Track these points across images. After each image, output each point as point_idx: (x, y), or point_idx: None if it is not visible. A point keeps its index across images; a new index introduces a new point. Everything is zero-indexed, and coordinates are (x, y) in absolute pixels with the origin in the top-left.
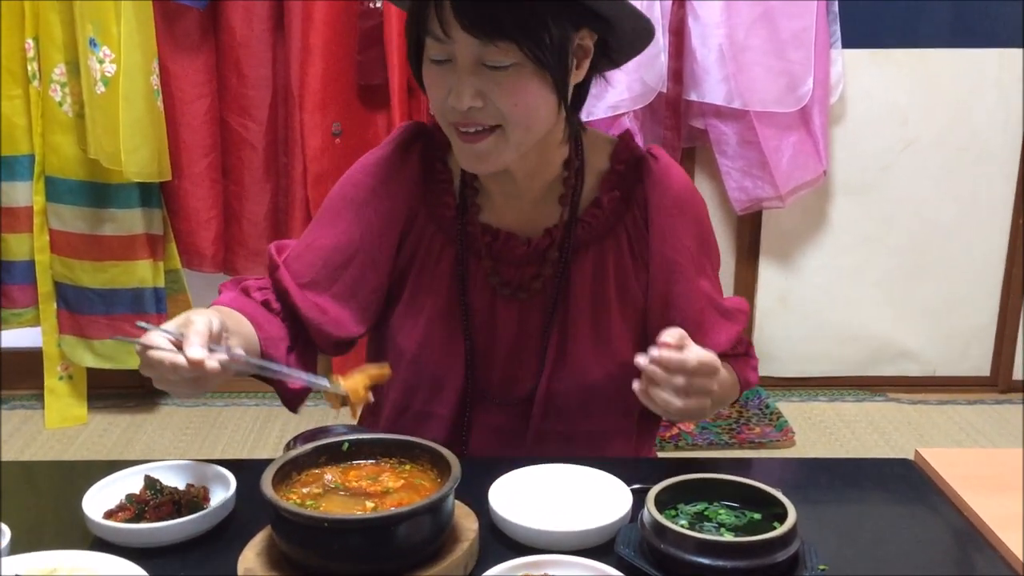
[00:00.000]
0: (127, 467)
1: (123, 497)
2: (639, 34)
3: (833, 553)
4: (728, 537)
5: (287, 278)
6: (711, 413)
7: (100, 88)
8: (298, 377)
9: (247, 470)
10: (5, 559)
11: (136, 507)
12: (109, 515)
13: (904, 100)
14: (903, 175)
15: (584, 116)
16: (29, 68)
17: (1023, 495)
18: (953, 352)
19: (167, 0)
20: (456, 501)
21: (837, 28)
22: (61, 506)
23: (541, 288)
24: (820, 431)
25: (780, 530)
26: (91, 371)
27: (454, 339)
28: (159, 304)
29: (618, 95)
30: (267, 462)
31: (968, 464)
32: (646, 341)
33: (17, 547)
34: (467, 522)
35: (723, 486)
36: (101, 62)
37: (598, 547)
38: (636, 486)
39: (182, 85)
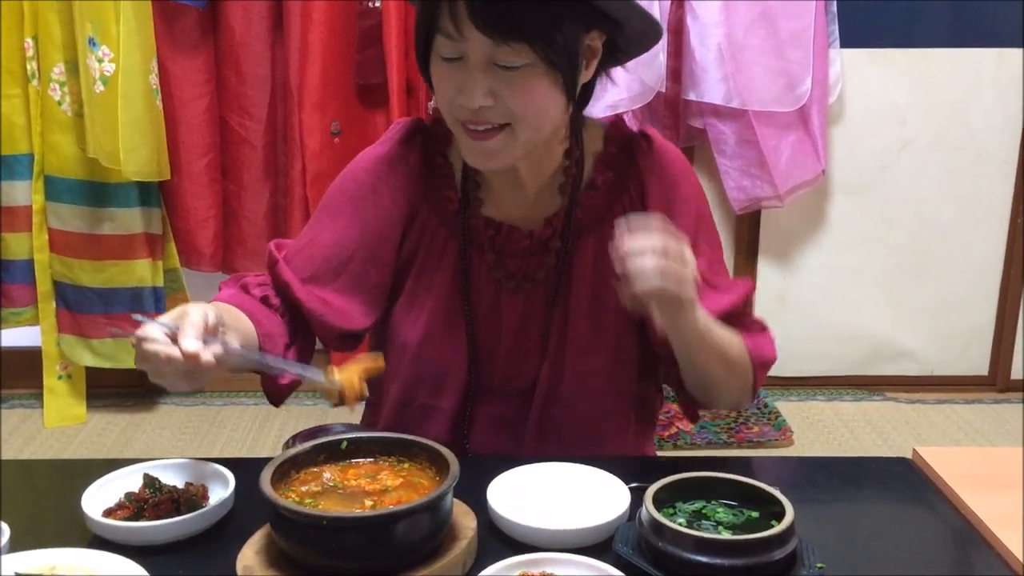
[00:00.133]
0: (126, 465)
1: (122, 495)
2: (647, 35)
3: (831, 551)
4: (726, 535)
5: (288, 272)
6: (693, 322)
7: (99, 87)
8: (293, 370)
9: (246, 469)
10: (4, 557)
11: (135, 505)
12: (108, 513)
13: (902, 100)
14: (901, 175)
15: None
16: (28, 67)
17: (1021, 494)
18: (951, 351)
19: (166, 0)
20: (455, 499)
21: (836, 28)
22: (60, 504)
23: (544, 278)
24: (818, 430)
25: (778, 528)
26: (90, 370)
27: (457, 333)
28: (158, 303)
29: (617, 94)
30: (266, 461)
31: (966, 463)
32: (645, 323)
33: (16, 545)
34: (466, 520)
35: (721, 484)
36: (100, 61)
37: (596, 545)
38: (634, 484)
39: (181, 84)
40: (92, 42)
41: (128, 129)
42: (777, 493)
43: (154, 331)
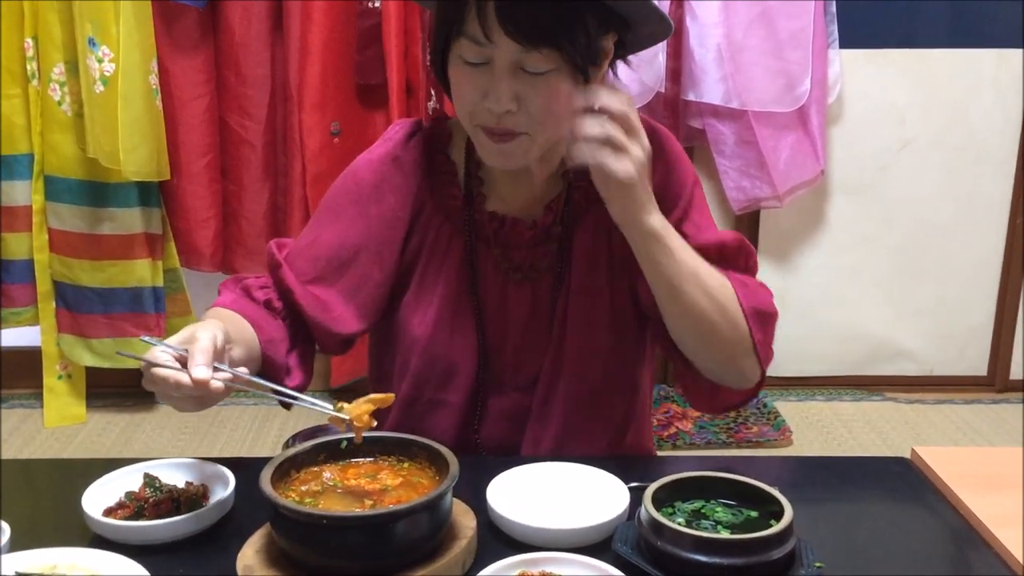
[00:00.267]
0: (126, 465)
1: (122, 495)
2: (655, 34)
3: (829, 551)
4: (725, 535)
5: (290, 276)
6: (648, 220)
7: (99, 87)
8: (301, 403)
9: (246, 468)
10: (5, 556)
11: (135, 505)
12: (108, 512)
13: (902, 100)
14: (901, 175)
15: None
16: (28, 67)
17: (1022, 494)
18: (950, 352)
19: (166, 0)
20: (454, 499)
21: (835, 28)
22: (61, 504)
23: (548, 265)
24: (817, 430)
25: (777, 528)
26: (90, 370)
27: (466, 326)
28: (158, 303)
29: None
30: (266, 460)
31: (964, 463)
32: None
33: (17, 544)
34: (465, 520)
35: (720, 484)
36: (100, 61)
37: (596, 545)
38: (634, 484)
39: (181, 84)
40: (92, 42)
41: (128, 129)
42: (776, 493)
43: (163, 355)
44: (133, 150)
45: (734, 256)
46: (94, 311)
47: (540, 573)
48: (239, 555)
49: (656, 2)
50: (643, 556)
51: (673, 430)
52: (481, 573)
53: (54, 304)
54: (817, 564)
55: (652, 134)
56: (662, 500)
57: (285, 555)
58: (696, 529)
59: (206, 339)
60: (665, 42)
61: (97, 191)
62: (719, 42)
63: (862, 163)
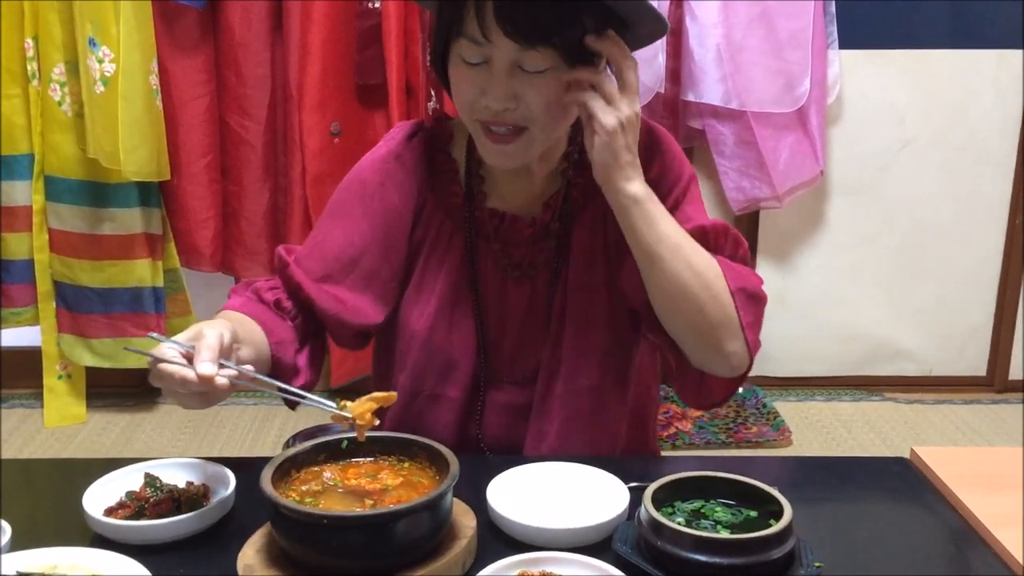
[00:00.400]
0: (127, 464)
1: (123, 494)
2: (652, 34)
3: (829, 550)
4: (724, 534)
5: (300, 273)
6: (628, 184)
7: (99, 88)
8: (306, 401)
9: (246, 468)
10: (6, 556)
11: (136, 504)
12: (109, 512)
13: (901, 100)
14: (900, 175)
15: None
16: (28, 68)
17: (1021, 493)
18: (950, 352)
19: (166, 0)
20: (454, 499)
21: (834, 29)
22: (61, 503)
23: (546, 261)
24: (817, 430)
25: (776, 527)
26: (90, 370)
27: (465, 322)
28: (158, 303)
29: None
30: (266, 460)
31: (963, 462)
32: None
33: (18, 544)
34: (465, 519)
35: (720, 484)
36: (100, 62)
37: (596, 544)
38: (633, 484)
39: (181, 85)
40: (92, 42)
41: (128, 129)
42: (775, 492)
43: (169, 351)
44: (133, 150)
45: (717, 240)
46: (94, 311)
47: (540, 573)
48: (240, 555)
49: (653, 2)
50: (643, 556)
51: (673, 430)
52: (481, 573)
53: (54, 304)
54: (816, 564)
55: (648, 132)
56: (662, 500)
57: (286, 555)
58: (696, 529)
59: (213, 336)
60: (665, 42)
61: (97, 191)
62: (719, 42)
63: (862, 163)
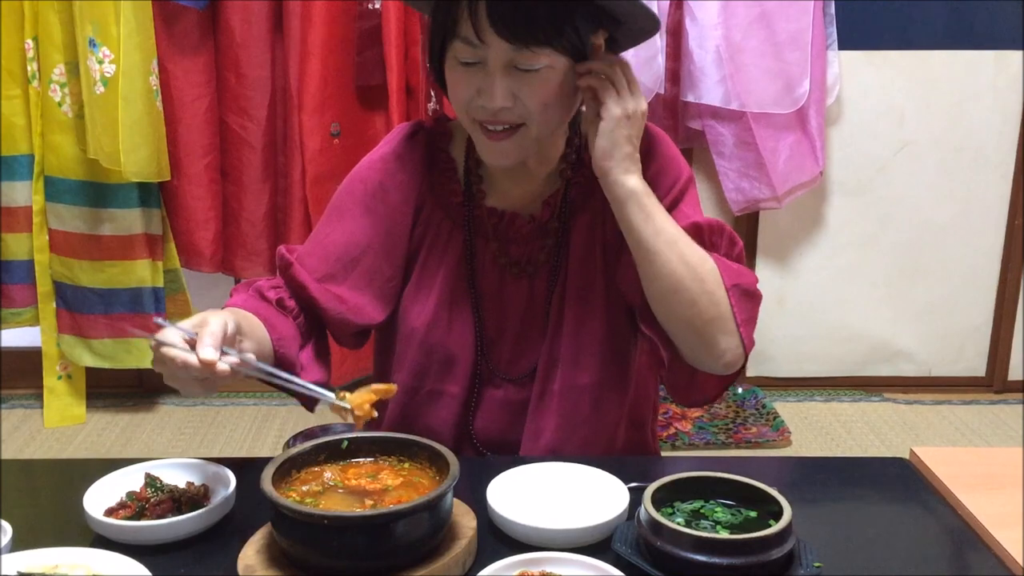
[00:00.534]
0: (127, 465)
1: (123, 495)
2: (645, 31)
3: (828, 551)
4: (724, 535)
5: (302, 273)
6: (627, 178)
7: (99, 88)
8: (306, 391)
9: (247, 468)
10: (6, 556)
11: (136, 505)
12: (110, 512)
13: (901, 101)
14: (899, 176)
15: None
16: (29, 68)
17: (1021, 494)
18: (949, 352)
19: (166, 0)
20: (455, 499)
21: (834, 30)
22: (62, 504)
23: (545, 260)
24: (816, 431)
25: (775, 528)
26: (90, 370)
27: (464, 319)
28: (158, 304)
29: None
30: (267, 460)
31: (963, 463)
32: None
33: (18, 544)
34: (465, 520)
35: (719, 484)
36: (100, 62)
37: (595, 544)
38: (633, 484)
39: (181, 85)
40: (92, 43)
41: (128, 130)
42: (775, 493)
43: (173, 336)
44: (133, 151)
45: (713, 238)
46: (94, 311)
47: (540, 573)
48: (240, 555)
49: (652, 2)
50: (643, 556)
51: (672, 430)
52: (481, 573)
53: (54, 304)
54: (816, 564)
55: (646, 133)
56: (661, 500)
57: (286, 555)
58: (695, 529)
59: (216, 323)
60: (664, 43)
61: (97, 192)
62: (718, 43)
63: (861, 164)
